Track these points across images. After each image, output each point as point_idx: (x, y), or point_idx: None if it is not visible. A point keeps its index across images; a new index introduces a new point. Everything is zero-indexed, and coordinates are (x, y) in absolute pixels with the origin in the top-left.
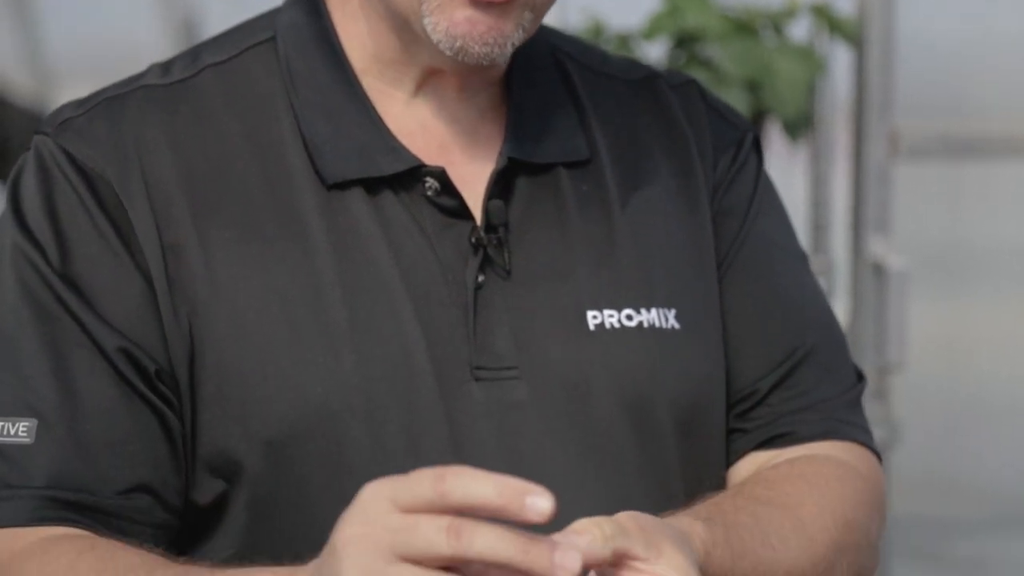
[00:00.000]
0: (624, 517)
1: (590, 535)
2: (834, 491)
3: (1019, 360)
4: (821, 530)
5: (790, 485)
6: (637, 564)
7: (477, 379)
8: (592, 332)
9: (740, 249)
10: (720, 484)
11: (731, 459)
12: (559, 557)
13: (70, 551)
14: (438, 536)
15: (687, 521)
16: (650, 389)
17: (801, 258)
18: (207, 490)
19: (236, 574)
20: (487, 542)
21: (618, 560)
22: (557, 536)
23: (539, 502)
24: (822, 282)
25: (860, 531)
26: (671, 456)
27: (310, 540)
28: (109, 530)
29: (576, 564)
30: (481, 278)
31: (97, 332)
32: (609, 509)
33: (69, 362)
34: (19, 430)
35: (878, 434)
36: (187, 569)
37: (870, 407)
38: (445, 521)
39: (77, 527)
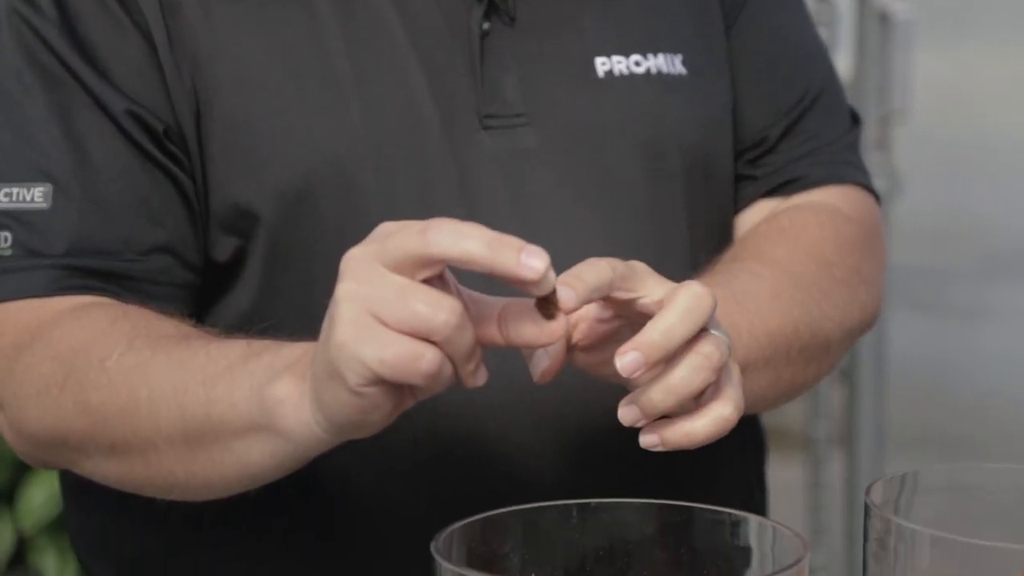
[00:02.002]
0: (599, 261)
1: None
2: (811, 235)
3: (1023, 109)
4: (800, 267)
5: (766, 240)
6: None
7: (486, 127)
8: (601, 79)
9: (746, 0)
10: (726, 230)
11: (739, 206)
12: (525, 256)
13: (102, 317)
14: (408, 237)
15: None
16: (659, 134)
17: (801, 3)
18: (223, 247)
19: (268, 346)
20: (449, 238)
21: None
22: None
23: (533, 260)
24: (827, 32)
25: (843, 268)
26: (679, 201)
27: (324, 290)
28: (133, 295)
29: (541, 264)
30: (486, 25)
31: (103, 94)
32: (618, 254)
33: (78, 126)
34: (35, 196)
35: (879, 184)
36: (220, 340)
37: (873, 157)
38: (421, 225)
39: (102, 295)
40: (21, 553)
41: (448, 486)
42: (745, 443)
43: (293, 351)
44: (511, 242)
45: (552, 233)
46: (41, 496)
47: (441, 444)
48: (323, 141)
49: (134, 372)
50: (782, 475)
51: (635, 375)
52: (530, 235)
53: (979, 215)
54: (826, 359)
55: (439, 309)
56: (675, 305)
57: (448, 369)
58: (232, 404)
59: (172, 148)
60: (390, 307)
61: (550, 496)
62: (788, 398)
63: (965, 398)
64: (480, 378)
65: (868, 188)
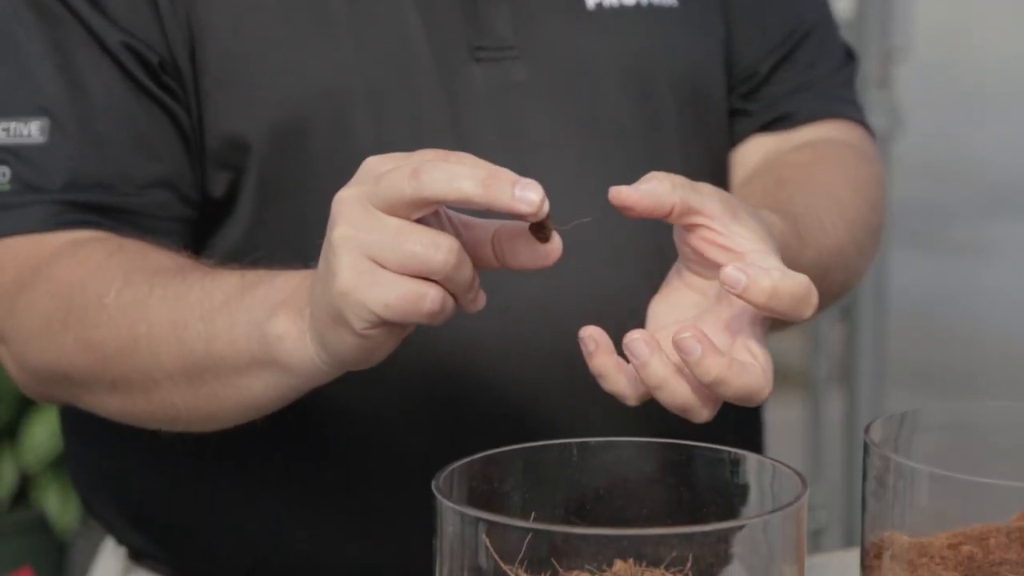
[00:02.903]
0: (704, 183)
1: (656, 180)
2: (860, 175)
3: None
4: (856, 212)
5: (824, 170)
6: (709, 229)
7: (477, 60)
8: (591, 11)
9: None
10: (721, 164)
11: (735, 141)
12: (519, 190)
13: (99, 252)
14: (400, 180)
15: (764, 212)
16: (650, 66)
17: None
18: (218, 182)
19: (262, 277)
20: (442, 180)
21: (688, 221)
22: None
23: (528, 193)
24: None
25: (880, 212)
26: (672, 134)
27: (315, 222)
28: (132, 229)
29: (536, 196)
30: None
31: (99, 28)
32: (609, 187)
33: (74, 60)
34: (32, 130)
35: (881, 122)
36: (215, 273)
37: (874, 94)
38: (412, 166)
39: (100, 229)
40: (24, 491)
41: (443, 419)
42: None
43: (287, 283)
44: (504, 177)
45: (543, 166)
46: (43, 432)
47: (434, 378)
48: (315, 74)
49: (132, 308)
50: (781, 413)
51: (733, 291)
52: (521, 168)
53: (980, 152)
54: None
55: (437, 249)
56: (796, 282)
57: (450, 303)
58: (232, 340)
59: (168, 81)
60: (388, 250)
61: (543, 426)
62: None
63: (965, 335)
64: (480, 302)
65: (864, 125)
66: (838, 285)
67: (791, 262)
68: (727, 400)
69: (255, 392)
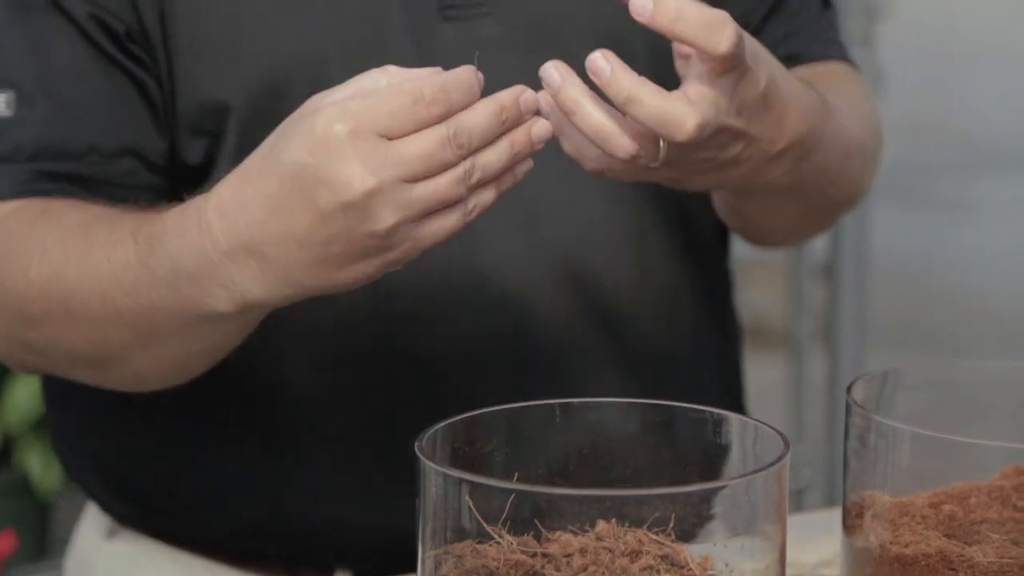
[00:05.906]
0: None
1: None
2: (858, 93)
3: (1007, 4)
4: (860, 118)
5: (826, 82)
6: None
7: (447, 18)
8: None
9: None
10: None
11: None
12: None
13: (24, 219)
14: (443, 152)
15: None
16: (622, 22)
17: None
18: (194, 150)
19: (152, 238)
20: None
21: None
22: None
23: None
24: None
25: (877, 133)
26: None
27: None
28: (100, 198)
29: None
30: None
31: (65, 0)
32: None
33: (41, 32)
34: None
35: (863, 79)
36: (113, 229)
37: (857, 52)
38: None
39: (70, 197)
40: (6, 452)
41: (425, 379)
42: (721, 330)
43: (187, 249)
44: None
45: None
46: (26, 394)
47: (414, 340)
48: (291, 36)
49: (55, 281)
50: (764, 372)
51: (640, 18)
52: None
53: (963, 110)
54: (824, 218)
55: None
56: (705, 9)
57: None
58: (169, 311)
59: (135, 50)
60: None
61: (524, 386)
62: (782, 232)
63: (948, 293)
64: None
65: (854, 65)
66: (855, 176)
67: (823, 126)
68: (642, 123)
69: (211, 339)
